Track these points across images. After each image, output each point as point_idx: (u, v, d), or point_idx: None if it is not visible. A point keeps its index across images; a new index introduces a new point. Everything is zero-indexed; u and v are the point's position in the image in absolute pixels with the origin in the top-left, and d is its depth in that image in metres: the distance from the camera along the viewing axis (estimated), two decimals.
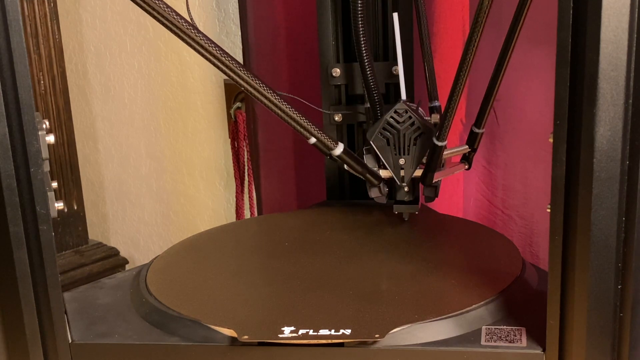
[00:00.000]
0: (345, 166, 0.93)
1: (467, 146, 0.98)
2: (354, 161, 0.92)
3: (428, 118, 0.99)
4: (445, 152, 0.92)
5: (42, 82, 1.44)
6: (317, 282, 0.83)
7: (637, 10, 0.58)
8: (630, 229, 0.63)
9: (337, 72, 1.07)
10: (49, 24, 1.44)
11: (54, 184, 0.72)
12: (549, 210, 0.65)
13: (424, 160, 0.93)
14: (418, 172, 0.94)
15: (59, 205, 0.72)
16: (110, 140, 1.69)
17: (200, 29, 0.80)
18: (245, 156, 1.37)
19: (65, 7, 1.58)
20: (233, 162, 1.38)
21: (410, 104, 0.95)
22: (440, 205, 1.24)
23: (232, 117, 1.37)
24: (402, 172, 0.94)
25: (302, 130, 0.87)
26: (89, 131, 1.70)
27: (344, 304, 0.77)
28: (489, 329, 0.72)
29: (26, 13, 1.39)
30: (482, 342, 0.70)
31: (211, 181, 1.58)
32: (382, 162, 0.94)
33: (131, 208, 1.72)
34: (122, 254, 1.65)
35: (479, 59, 1.11)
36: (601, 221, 0.62)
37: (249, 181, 1.38)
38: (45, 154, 0.69)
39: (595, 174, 0.61)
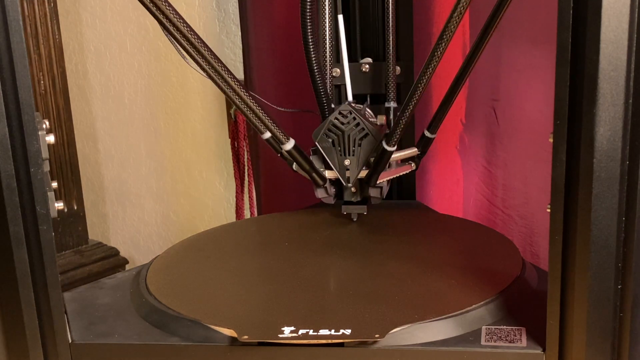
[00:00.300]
0: (294, 166, 0.95)
1: (415, 149, 1.00)
2: (303, 159, 0.94)
3: (374, 120, 0.99)
4: (392, 156, 0.94)
5: (42, 82, 1.44)
6: (317, 282, 0.83)
7: (637, 10, 0.58)
8: (630, 229, 0.63)
9: (337, 72, 1.07)
10: (49, 24, 1.44)
11: (54, 184, 0.72)
12: (548, 210, 0.65)
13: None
14: (365, 173, 0.96)
15: (59, 205, 0.72)
16: (110, 140, 1.69)
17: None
18: (245, 156, 1.37)
19: (65, 7, 1.58)
20: (233, 162, 1.38)
21: (356, 106, 0.96)
22: (440, 205, 1.24)
23: (232, 117, 1.37)
24: (347, 173, 0.95)
25: (256, 121, 0.89)
26: (89, 131, 1.70)
27: (344, 304, 0.77)
28: (489, 329, 0.72)
29: (26, 13, 1.39)
30: (482, 342, 0.70)
31: (211, 181, 1.58)
32: (328, 163, 0.95)
33: (131, 208, 1.72)
34: (122, 254, 1.65)
35: (478, 59, 1.11)
36: (601, 221, 0.62)
37: (249, 181, 1.38)
38: (45, 154, 0.69)
39: (595, 174, 0.61)
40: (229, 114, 1.41)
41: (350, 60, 1.08)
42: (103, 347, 0.74)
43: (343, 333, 0.70)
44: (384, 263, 0.88)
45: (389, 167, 0.97)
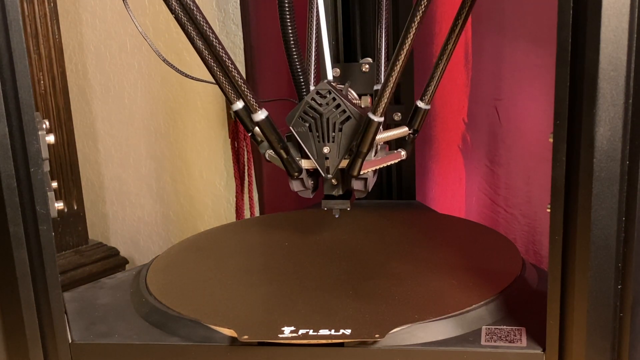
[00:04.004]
0: (267, 155, 0.84)
1: (406, 128, 0.84)
2: (276, 137, 0.81)
3: (358, 101, 0.89)
4: (378, 136, 0.80)
5: (42, 82, 1.44)
6: (317, 282, 0.83)
7: (637, 10, 0.58)
8: (630, 229, 0.62)
9: (337, 72, 1.07)
10: (49, 24, 1.44)
11: (54, 184, 0.72)
12: (548, 211, 0.65)
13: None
14: (347, 162, 0.82)
15: (59, 205, 0.72)
16: (110, 140, 1.69)
17: None
18: (245, 156, 1.37)
19: (65, 7, 1.58)
20: (233, 162, 1.38)
21: (337, 85, 0.85)
22: (442, 204, 1.24)
23: (232, 117, 1.37)
24: (327, 162, 0.81)
25: (227, 86, 0.78)
26: (89, 131, 1.70)
27: (344, 304, 0.77)
28: (489, 329, 0.72)
29: (26, 13, 1.39)
30: (482, 342, 0.70)
31: (211, 181, 1.58)
32: (305, 151, 0.82)
33: (131, 208, 1.72)
34: (122, 254, 1.65)
35: (481, 59, 1.11)
36: (601, 221, 0.62)
37: (249, 181, 1.38)
38: (45, 154, 0.69)
39: (595, 174, 0.61)
40: (229, 114, 1.41)
41: (350, 60, 1.08)
42: (103, 347, 0.74)
43: (343, 333, 0.70)
44: (384, 263, 0.88)
45: (375, 154, 0.83)
